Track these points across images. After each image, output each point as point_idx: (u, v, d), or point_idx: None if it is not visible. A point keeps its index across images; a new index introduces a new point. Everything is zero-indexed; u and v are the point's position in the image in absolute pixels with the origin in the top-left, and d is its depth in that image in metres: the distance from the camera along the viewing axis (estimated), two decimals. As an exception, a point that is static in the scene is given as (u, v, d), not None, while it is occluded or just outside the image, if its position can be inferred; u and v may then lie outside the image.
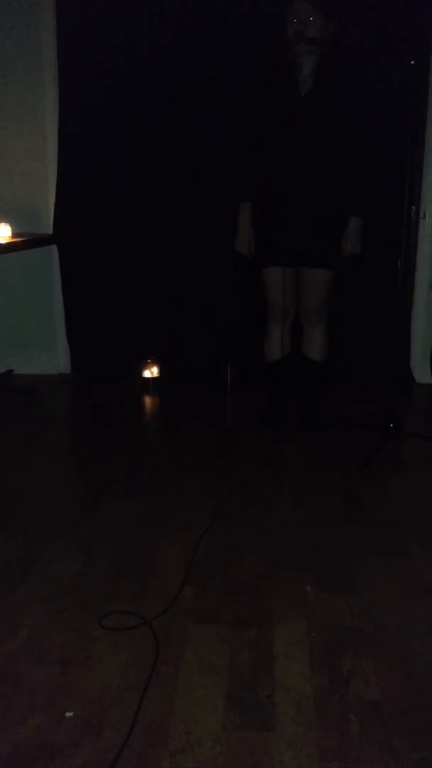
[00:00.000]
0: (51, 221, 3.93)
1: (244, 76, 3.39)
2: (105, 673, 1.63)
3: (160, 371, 3.86)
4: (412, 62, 2.87)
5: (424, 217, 3.80)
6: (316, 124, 2.93)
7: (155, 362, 3.85)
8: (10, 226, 3.59)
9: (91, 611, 1.86)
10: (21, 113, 3.85)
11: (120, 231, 3.87)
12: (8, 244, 3.49)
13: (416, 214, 3.77)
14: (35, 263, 3.98)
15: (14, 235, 3.60)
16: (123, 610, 1.86)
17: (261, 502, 2.54)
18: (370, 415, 3.22)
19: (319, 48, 2.89)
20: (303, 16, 2.84)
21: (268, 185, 3.02)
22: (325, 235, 3.05)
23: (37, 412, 3.62)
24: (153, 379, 3.85)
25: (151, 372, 3.85)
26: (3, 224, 3.55)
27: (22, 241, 3.60)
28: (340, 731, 1.46)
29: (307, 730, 1.46)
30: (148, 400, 3.78)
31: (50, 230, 3.93)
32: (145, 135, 3.74)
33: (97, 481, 2.73)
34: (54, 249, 3.97)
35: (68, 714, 1.50)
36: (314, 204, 2.98)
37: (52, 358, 4.14)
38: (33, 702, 1.54)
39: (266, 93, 3.03)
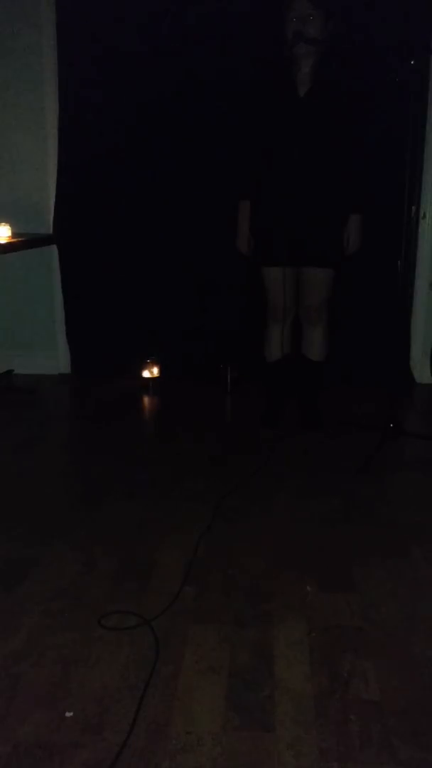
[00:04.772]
0: (51, 221, 3.93)
1: (243, 76, 3.39)
2: (105, 673, 1.63)
3: (160, 371, 3.86)
4: (412, 62, 2.86)
5: (424, 217, 3.80)
6: (315, 123, 2.93)
7: (155, 362, 3.85)
8: (10, 226, 3.59)
9: (91, 611, 1.86)
10: (21, 113, 3.85)
11: (120, 231, 3.87)
12: (8, 244, 3.50)
13: (416, 214, 3.77)
14: (35, 263, 3.98)
15: (14, 235, 3.60)
16: (123, 610, 1.86)
17: (261, 502, 2.54)
18: (370, 415, 3.22)
19: (319, 48, 2.89)
20: (303, 15, 2.84)
21: (267, 185, 3.02)
22: (326, 234, 3.05)
23: (37, 412, 3.62)
24: (153, 379, 3.85)
25: (151, 372, 3.85)
26: (3, 224, 3.56)
27: (22, 241, 3.60)
28: (340, 731, 1.46)
29: (307, 730, 1.46)
30: (148, 400, 3.78)
31: (50, 230, 3.93)
32: (145, 135, 3.74)
33: (97, 481, 2.73)
34: (54, 249, 3.97)
35: (68, 714, 1.50)
36: (314, 203, 2.98)
37: (52, 358, 4.14)
38: (33, 702, 1.54)
39: (265, 92, 3.02)
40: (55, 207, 3.92)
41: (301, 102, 2.94)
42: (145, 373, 3.85)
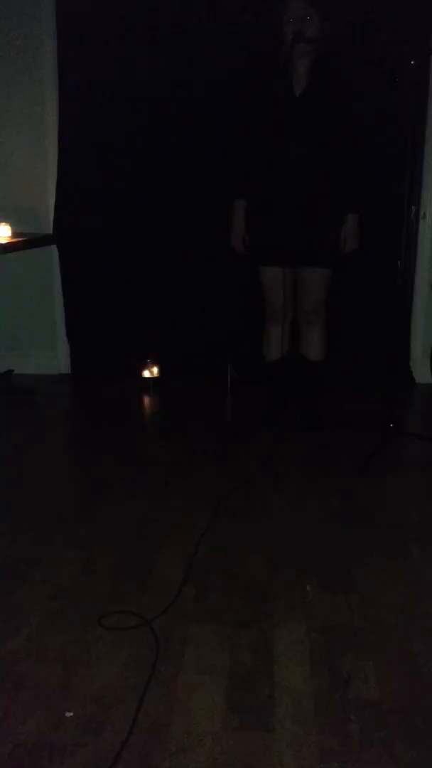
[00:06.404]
0: (51, 221, 3.93)
1: (240, 75, 3.39)
2: (105, 673, 1.63)
3: (160, 371, 3.86)
4: (412, 62, 2.86)
5: (424, 217, 3.80)
6: (311, 122, 2.93)
7: (155, 362, 3.85)
8: (10, 226, 3.59)
9: (91, 611, 1.86)
10: (21, 113, 3.84)
11: (120, 231, 3.87)
12: (8, 244, 3.49)
13: (416, 214, 3.77)
14: (35, 263, 3.97)
15: (14, 235, 3.60)
16: (123, 610, 1.86)
17: (261, 502, 2.54)
18: (370, 415, 3.22)
19: (317, 47, 2.89)
20: (300, 16, 2.83)
21: (264, 184, 3.02)
22: (323, 233, 3.04)
23: (37, 412, 3.62)
24: (153, 379, 3.85)
25: (151, 372, 3.85)
26: (3, 224, 3.55)
27: (22, 241, 3.60)
28: (340, 731, 1.46)
29: (307, 730, 1.46)
30: (148, 400, 3.78)
31: (50, 230, 3.93)
32: (143, 134, 3.74)
33: (97, 481, 2.73)
34: (54, 249, 3.97)
35: (68, 714, 1.50)
36: (310, 203, 2.97)
37: (52, 358, 4.13)
38: (33, 702, 1.54)
39: (261, 92, 3.02)
40: (55, 207, 3.91)
41: (297, 101, 2.93)
42: (145, 373, 3.85)
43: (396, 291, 3.35)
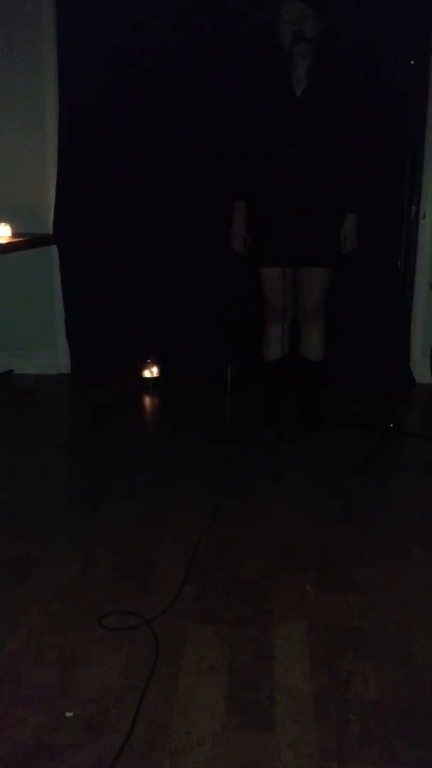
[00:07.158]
0: (51, 221, 3.93)
1: (240, 77, 3.39)
2: (105, 673, 1.63)
3: (160, 371, 3.86)
4: (412, 62, 2.87)
5: (424, 217, 3.80)
6: (311, 122, 2.93)
7: (155, 362, 3.85)
8: (10, 226, 3.59)
9: (91, 611, 1.86)
10: (21, 113, 3.85)
11: (120, 231, 3.87)
12: (8, 244, 3.49)
13: (416, 214, 3.77)
14: (35, 263, 3.98)
15: (14, 235, 3.60)
16: (123, 610, 1.86)
17: (261, 502, 2.54)
18: (370, 415, 3.22)
19: (316, 47, 2.88)
20: (296, 16, 2.83)
21: (264, 184, 3.02)
22: (322, 233, 3.05)
23: (37, 412, 3.62)
24: (153, 379, 3.85)
25: (151, 372, 3.85)
26: (3, 224, 3.56)
27: (22, 241, 3.60)
28: (340, 731, 1.46)
29: (307, 730, 1.46)
30: (148, 400, 3.78)
31: (50, 230, 3.93)
32: (144, 135, 3.74)
33: (97, 481, 2.73)
34: (54, 249, 3.97)
35: (68, 714, 1.50)
36: (310, 203, 2.97)
37: (52, 358, 4.14)
38: (33, 702, 1.54)
39: (261, 92, 3.02)
40: (55, 207, 3.92)
41: (297, 101, 2.93)
42: (145, 373, 3.85)
43: (396, 291, 3.35)
